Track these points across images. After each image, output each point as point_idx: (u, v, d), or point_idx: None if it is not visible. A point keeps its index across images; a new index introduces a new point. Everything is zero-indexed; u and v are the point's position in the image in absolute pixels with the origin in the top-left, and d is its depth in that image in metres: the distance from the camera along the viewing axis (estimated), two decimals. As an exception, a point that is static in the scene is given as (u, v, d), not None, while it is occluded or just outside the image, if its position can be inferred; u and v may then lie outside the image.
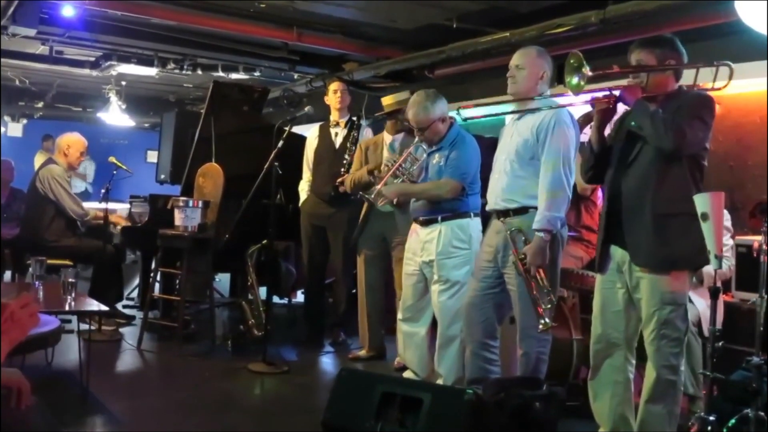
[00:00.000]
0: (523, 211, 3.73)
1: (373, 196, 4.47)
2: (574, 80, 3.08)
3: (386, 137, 5.24)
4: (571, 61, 3.09)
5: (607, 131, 3.43)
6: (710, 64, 3.21)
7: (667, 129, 2.98)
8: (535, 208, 3.65)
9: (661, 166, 3.13)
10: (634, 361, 3.33)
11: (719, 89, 3.18)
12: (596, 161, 3.36)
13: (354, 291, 5.54)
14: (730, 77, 3.16)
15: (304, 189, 5.71)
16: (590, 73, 3.02)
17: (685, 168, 3.14)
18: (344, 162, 5.43)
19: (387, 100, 5.22)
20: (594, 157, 3.36)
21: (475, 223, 4.30)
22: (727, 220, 4.07)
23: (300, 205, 5.73)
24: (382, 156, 5.12)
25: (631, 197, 3.21)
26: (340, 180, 5.36)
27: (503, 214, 3.79)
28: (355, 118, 5.59)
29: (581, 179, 4.42)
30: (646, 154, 3.17)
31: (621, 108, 3.29)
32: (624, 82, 3.27)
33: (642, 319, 3.21)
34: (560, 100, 3.68)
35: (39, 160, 10.63)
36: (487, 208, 3.97)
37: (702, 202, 3.40)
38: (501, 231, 3.77)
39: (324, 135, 5.66)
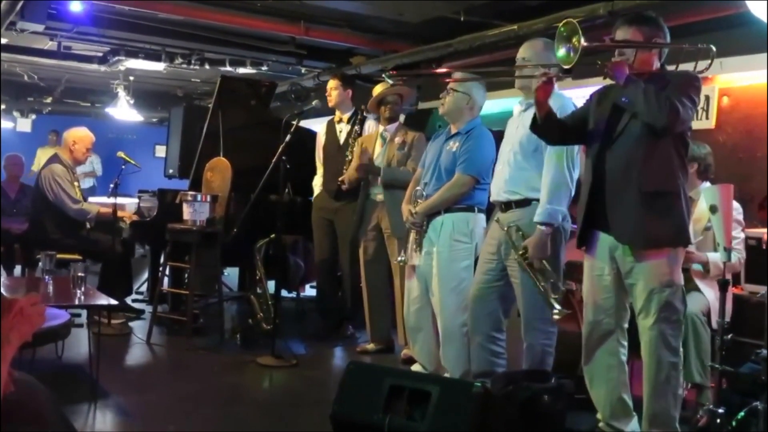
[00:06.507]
0: (525, 203, 3.72)
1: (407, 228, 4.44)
2: (561, 51, 2.94)
3: (380, 128, 5.29)
4: (562, 30, 2.95)
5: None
6: (693, 45, 3.18)
7: (661, 106, 2.94)
8: (538, 200, 3.63)
9: (648, 143, 3.08)
10: (626, 343, 3.31)
11: (701, 72, 3.16)
12: (541, 131, 3.36)
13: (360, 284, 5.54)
14: (712, 60, 3.12)
15: (317, 184, 5.75)
16: (584, 44, 2.86)
17: (671, 145, 3.10)
18: (346, 159, 5.46)
19: (375, 90, 5.33)
20: (538, 128, 3.35)
21: (479, 218, 4.26)
22: (738, 213, 4.03)
23: (312, 199, 5.76)
24: (375, 147, 5.21)
25: (616, 174, 3.15)
26: (341, 179, 5.39)
27: (506, 206, 3.78)
28: (358, 113, 5.61)
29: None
30: (633, 130, 3.12)
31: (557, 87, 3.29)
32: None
33: (636, 304, 3.18)
34: (567, 93, 3.67)
35: (41, 154, 10.65)
36: (491, 199, 3.97)
37: (711, 194, 3.39)
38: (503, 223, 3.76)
39: (330, 131, 5.70)
